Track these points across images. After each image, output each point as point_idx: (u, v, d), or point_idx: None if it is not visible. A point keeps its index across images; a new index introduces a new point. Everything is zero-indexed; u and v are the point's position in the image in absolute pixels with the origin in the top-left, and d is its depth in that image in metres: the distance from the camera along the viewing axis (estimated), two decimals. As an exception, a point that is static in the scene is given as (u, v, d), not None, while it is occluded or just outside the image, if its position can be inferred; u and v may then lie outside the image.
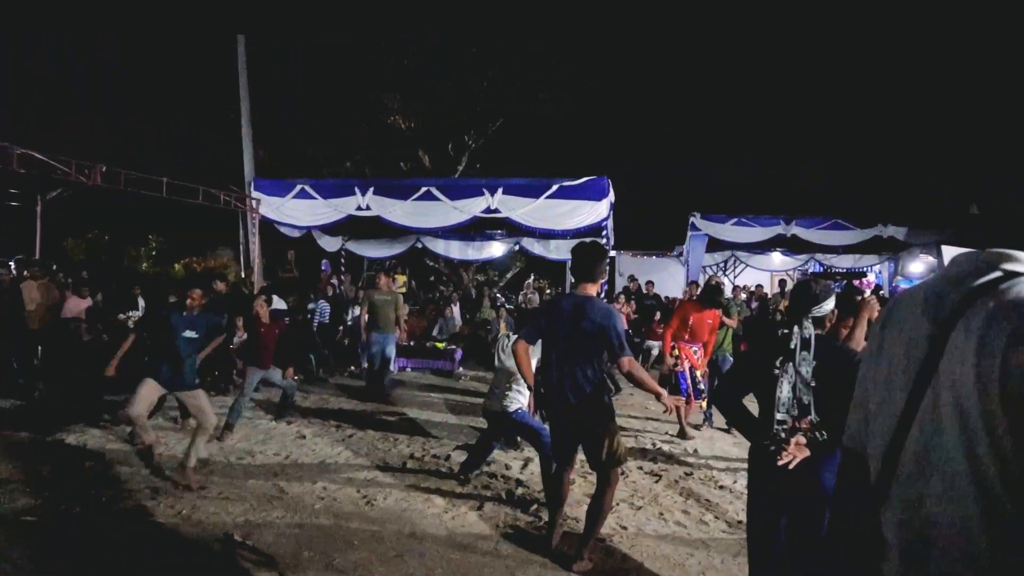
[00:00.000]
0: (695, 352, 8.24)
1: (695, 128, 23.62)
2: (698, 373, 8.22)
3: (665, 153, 23.50)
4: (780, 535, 3.10)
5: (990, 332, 1.14)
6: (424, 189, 11.39)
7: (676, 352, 8.23)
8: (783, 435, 2.92)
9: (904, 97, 22.33)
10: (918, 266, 18.21)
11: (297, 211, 11.98)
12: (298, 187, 11.81)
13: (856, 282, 19.87)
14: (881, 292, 18.83)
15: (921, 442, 1.24)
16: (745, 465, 6.74)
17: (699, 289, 15.68)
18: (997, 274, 1.24)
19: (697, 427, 8.47)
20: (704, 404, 8.51)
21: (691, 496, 5.90)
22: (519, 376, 5.61)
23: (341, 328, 13.03)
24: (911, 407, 1.27)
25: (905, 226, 15.90)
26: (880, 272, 20.26)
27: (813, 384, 2.93)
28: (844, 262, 19.29)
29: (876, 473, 1.34)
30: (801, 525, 3.03)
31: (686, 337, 8.15)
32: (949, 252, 7.14)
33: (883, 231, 15.93)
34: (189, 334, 6.14)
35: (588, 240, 4.68)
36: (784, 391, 2.95)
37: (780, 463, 2.88)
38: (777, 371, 2.97)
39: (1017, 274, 1.22)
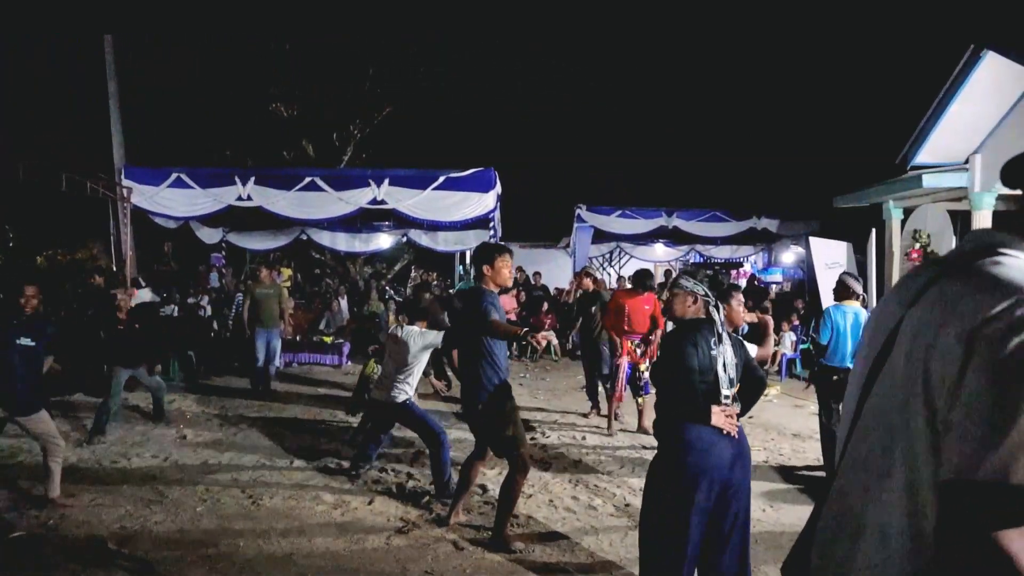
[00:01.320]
0: (634, 345, 7.69)
1: (580, 120, 24.04)
2: (641, 367, 7.63)
3: (551, 145, 23.81)
4: (694, 534, 3.11)
5: (949, 303, 1.08)
6: (308, 179, 11.08)
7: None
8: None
9: (776, 93, 23.51)
10: (789, 256, 19.31)
11: (173, 201, 11.40)
12: (173, 175, 11.23)
13: (732, 272, 20.86)
14: (756, 282, 19.84)
15: (863, 430, 1.22)
16: (634, 453, 6.99)
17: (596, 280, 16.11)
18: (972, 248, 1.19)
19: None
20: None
21: (579, 484, 6.03)
22: (407, 368, 5.60)
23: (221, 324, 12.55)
24: (865, 390, 1.24)
25: (777, 219, 16.80)
26: (755, 262, 21.30)
27: (735, 360, 3.31)
28: (722, 252, 20.19)
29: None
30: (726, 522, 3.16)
31: (625, 328, 7.64)
32: (816, 243, 7.58)
33: (757, 223, 16.78)
34: (25, 342, 5.13)
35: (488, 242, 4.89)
36: (727, 369, 3.26)
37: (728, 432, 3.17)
38: (714, 352, 3.23)
39: (1001, 252, 1.14)
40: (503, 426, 4.45)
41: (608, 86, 24.04)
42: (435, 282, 18.97)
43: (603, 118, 24.52)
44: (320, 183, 11.08)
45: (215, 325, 12.61)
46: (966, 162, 10.24)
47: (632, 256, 20.34)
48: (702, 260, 20.62)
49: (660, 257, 20.73)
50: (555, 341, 13.72)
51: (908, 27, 19.51)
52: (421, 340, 5.74)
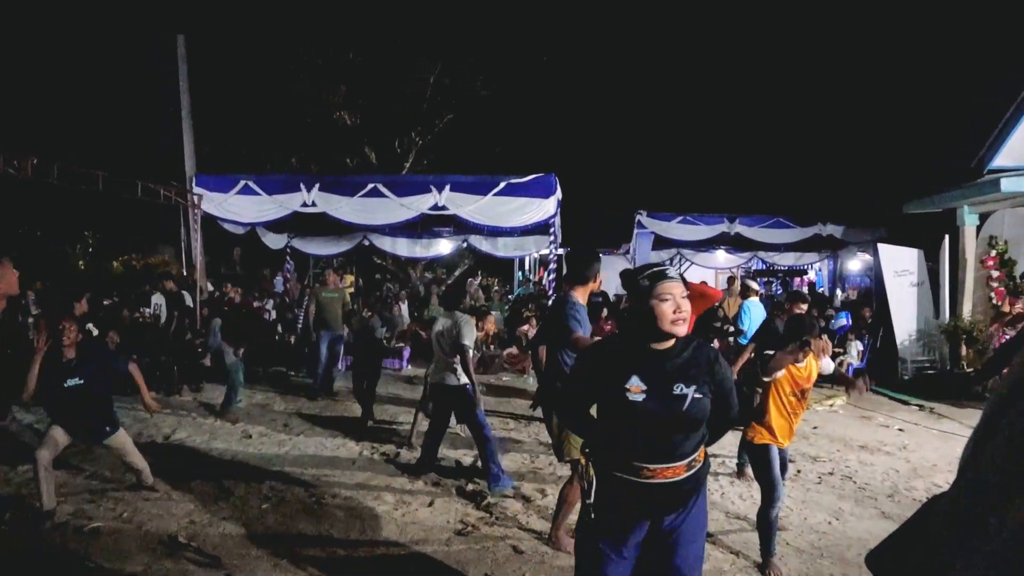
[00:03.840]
0: None
1: (642, 126, 23.89)
2: None
3: (612, 151, 23.72)
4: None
5: None
6: (371, 186, 11.25)
7: None
8: None
9: (845, 94, 22.96)
10: (856, 264, 18.79)
11: (240, 207, 11.73)
12: (241, 183, 11.55)
13: (795, 280, 20.41)
14: (821, 290, 19.38)
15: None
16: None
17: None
18: None
19: None
20: None
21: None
22: (460, 351, 5.94)
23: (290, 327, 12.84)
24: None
25: (843, 225, 16.37)
26: (820, 269, 20.80)
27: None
28: (786, 260, 19.75)
29: None
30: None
31: None
32: (885, 250, 7.45)
33: (822, 230, 16.36)
34: (73, 383, 5.09)
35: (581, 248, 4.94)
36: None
37: None
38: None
39: None
40: (564, 431, 4.44)
41: (672, 91, 23.83)
42: (495, 287, 19.09)
43: (666, 123, 24.30)
44: (382, 189, 11.25)
45: (279, 328, 12.89)
46: (1047, 166, 9.85)
47: (693, 263, 20.03)
48: (765, 267, 20.23)
49: (722, 264, 20.38)
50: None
51: (985, 24, 18.82)
52: (468, 325, 6.01)
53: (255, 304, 13.31)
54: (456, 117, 18.67)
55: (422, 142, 18.59)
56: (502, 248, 16.22)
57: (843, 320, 11.83)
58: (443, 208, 11.23)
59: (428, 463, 6.21)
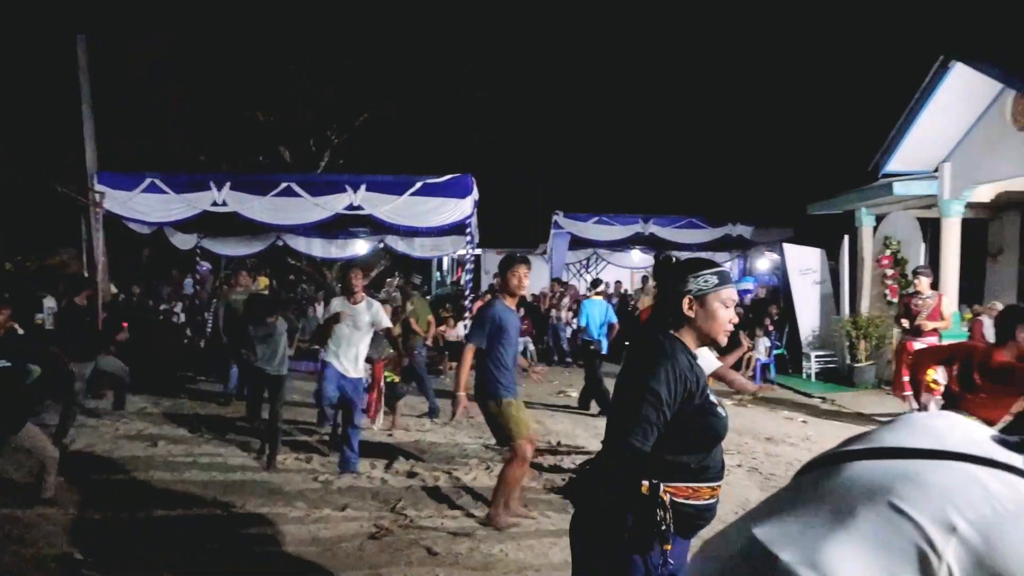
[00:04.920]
0: None
1: (558, 127, 24.17)
2: None
3: (529, 151, 23.91)
4: None
5: None
6: (284, 185, 11.01)
7: None
8: None
9: (751, 101, 23.78)
10: (765, 263, 19.48)
11: (146, 206, 11.28)
12: (147, 180, 11.11)
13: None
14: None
15: None
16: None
17: (566, 286, 16.16)
18: None
19: None
20: None
21: (555, 487, 6.04)
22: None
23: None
24: None
25: (752, 225, 16.97)
26: (730, 269, 21.47)
27: None
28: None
29: None
30: None
31: None
32: (791, 250, 7.74)
33: (733, 230, 16.94)
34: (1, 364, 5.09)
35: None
36: None
37: None
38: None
39: None
40: (502, 419, 4.91)
41: (587, 92, 24.19)
42: (413, 289, 18.93)
43: (581, 124, 24.64)
44: (296, 189, 11.02)
45: (188, 332, 12.50)
46: (935, 170, 10.42)
47: (609, 262, 20.38)
48: (679, 266, 20.75)
49: (636, 264, 20.80)
50: (532, 347, 13.80)
51: (881, 38, 19.83)
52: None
53: (162, 307, 12.85)
54: (373, 116, 18.45)
55: (338, 141, 18.29)
56: (419, 248, 16.13)
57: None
58: (359, 208, 11.09)
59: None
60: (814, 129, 20.83)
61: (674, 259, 2.53)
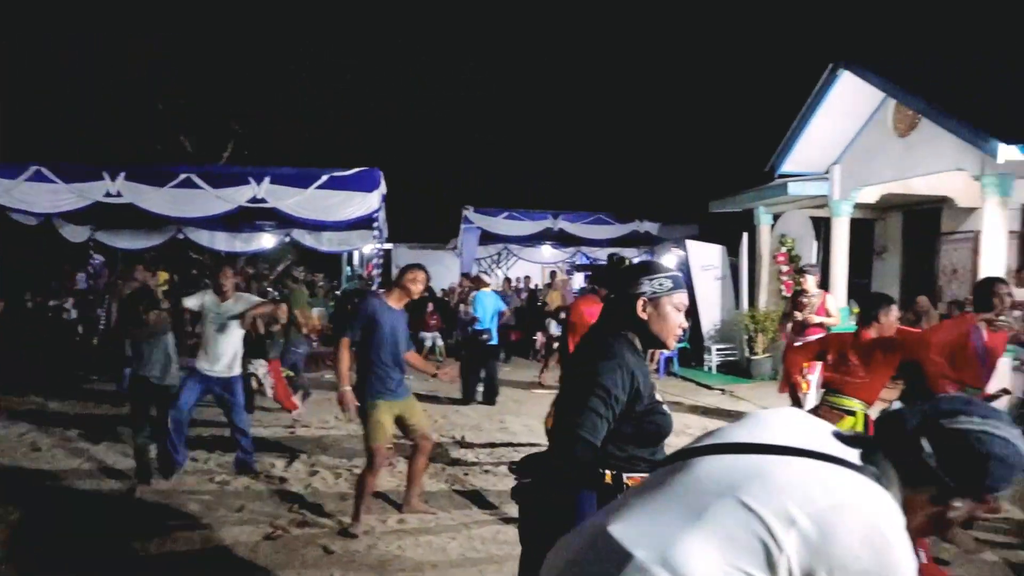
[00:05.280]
0: None
1: (467, 122, 24.13)
2: None
3: (438, 146, 23.83)
4: None
5: None
6: (183, 176, 10.60)
7: None
8: None
9: (661, 101, 24.34)
10: (671, 259, 20.00)
11: (33, 196, 10.64)
12: (33, 169, 10.48)
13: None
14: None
15: None
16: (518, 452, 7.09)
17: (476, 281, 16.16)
18: None
19: None
20: None
21: (456, 482, 6.06)
22: None
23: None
24: None
25: (659, 222, 17.38)
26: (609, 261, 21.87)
27: None
28: (606, 254, 20.64)
29: None
30: None
31: None
32: (692, 246, 7.97)
33: (640, 226, 17.28)
34: None
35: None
36: None
37: None
38: None
39: None
40: (364, 420, 4.84)
41: (497, 87, 24.24)
42: (321, 283, 18.61)
43: (491, 119, 24.68)
44: (196, 180, 10.62)
45: (80, 329, 11.93)
46: (827, 172, 10.92)
47: (519, 258, 20.51)
48: (588, 262, 21.07)
49: (547, 259, 21.00)
50: (440, 342, 13.78)
51: (779, 45, 20.65)
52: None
53: (51, 303, 12.22)
54: (279, 108, 18.01)
55: (241, 131, 17.77)
56: (326, 243, 15.80)
57: None
58: (262, 201, 10.77)
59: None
60: (718, 130, 21.55)
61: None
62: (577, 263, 21.20)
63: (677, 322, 2.37)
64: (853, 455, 1.36)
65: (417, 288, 5.00)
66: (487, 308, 10.18)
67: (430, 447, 5.24)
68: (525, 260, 20.57)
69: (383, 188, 11.12)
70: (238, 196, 10.70)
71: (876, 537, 1.25)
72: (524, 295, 15.66)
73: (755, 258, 12.78)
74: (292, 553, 4.46)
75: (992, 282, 4.83)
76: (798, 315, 7.79)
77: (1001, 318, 4.61)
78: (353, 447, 7.03)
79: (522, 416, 8.85)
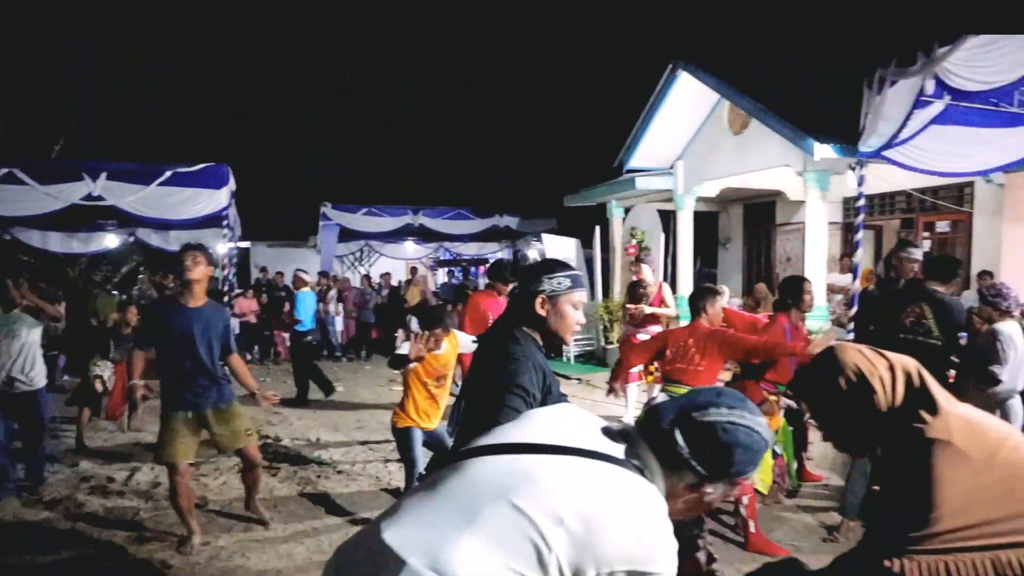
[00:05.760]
0: None
1: (324, 118, 23.69)
2: None
3: (295, 142, 23.25)
4: None
5: None
6: (5, 171, 9.83)
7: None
8: None
9: (517, 99, 24.73)
10: (533, 253, 20.37)
11: None
12: None
13: (479, 268, 21.60)
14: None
15: None
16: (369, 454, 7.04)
17: (335, 279, 15.88)
18: None
19: None
20: None
21: (307, 484, 5.95)
22: None
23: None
24: None
25: (518, 216, 17.68)
26: (501, 259, 22.19)
27: None
28: (469, 249, 20.77)
29: None
30: None
31: None
32: (548, 239, 8.12)
33: (500, 221, 17.54)
34: None
35: None
36: None
37: None
38: None
39: None
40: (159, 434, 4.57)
41: (355, 85, 23.91)
42: (171, 285, 17.68)
43: (349, 115, 24.33)
44: (21, 176, 9.86)
45: None
46: (671, 167, 11.45)
47: (382, 254, 20.30)
48: (451, 257, 21.14)
49: (411, 255, 20.87)
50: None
51: (630, 44, 21.45)
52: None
53: None
54: (120, 99, 16.98)
55: (76, 124, 16.61)
56: (175, 243, 15.01)
57: None
58: (99, 198, 10.15)
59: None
60: (575, 125, 22.16)
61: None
62: (441, 258, 21.25)
63: (574, 319, 2.42)
64: (619, 450, 1.44)
65: (197, 272, 4.37)
66: (308, 308, 10.16)
67: (254, 458, 4.83)
68: (388, 256, 20.38)
69: (232, 184, 10.76)
70: (71, 193, 10.05)
71: (638, 528, 1.33)
72: (385, 292, 15.51)
73: (609, 250, 13.24)
74: (127, 569, 4.25)
75: (799, 281, 5.23)
76: (631, 307, 7.77)
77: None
78: (196, 457, 6.76)
79: (379, 413, 8.79)
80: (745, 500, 4.44)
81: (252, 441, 4.77)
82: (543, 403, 2.32)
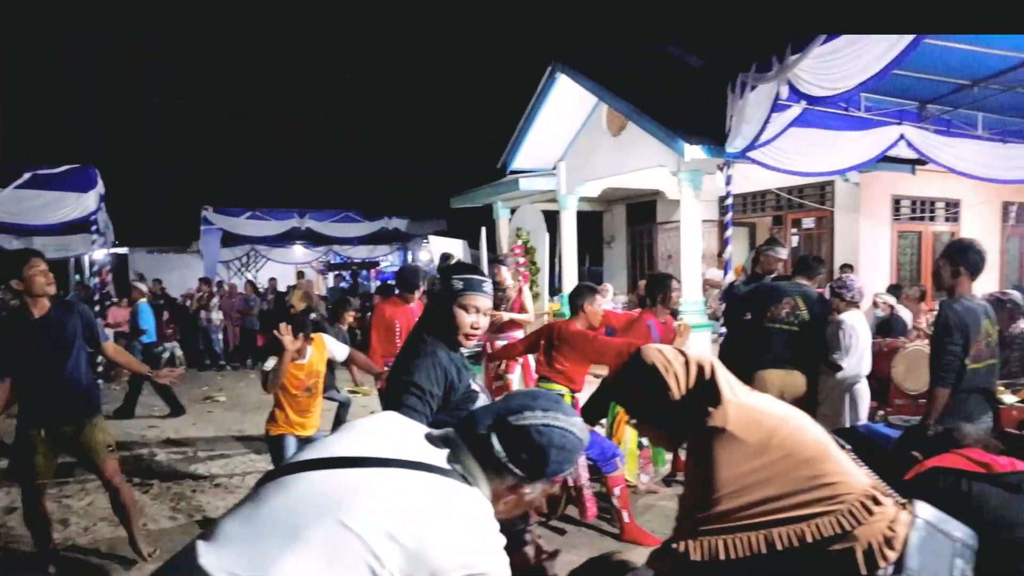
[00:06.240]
0: None
1: (203, 122, 22.91)
2: None
3: (172, 143, 22.39)
4: None
5: None
6: None
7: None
8: None
9: (403, 101, 24.60)
10: (425, 255, 20.29)
11: None
12: None
13: (370, 272, 21.37)
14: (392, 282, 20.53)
15: None
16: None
17: (218, 287, 15.35)
18: None
19: None
20: None
21: (182, 500, 5.75)
22: None
23: None
24: None
25: (407, 218, 17.61)
26: (393, 262, 22.01)
27: None
28: (360, 252, 20.54)
29: None
30: None
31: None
32: (435, 241, 8.07)
33: (388, 223, 17.43)
34: None
35: None
36: None
37: None
38: None
39: None
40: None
41: (232, 81, 23.23)
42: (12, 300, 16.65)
43: (230, 115, 23.63)
44: None
45: None
46: (554, 168, 11.66)
47: (269, 259, 19.81)
48: (341, 260, 20.83)
49: (300, 259, 20.49)
50: (179, 352, 12.94)
51: (513, 46, 21.71)
52: None
53: None
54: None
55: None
56: (41, 248, 14.18)
57: None
58: (-53, 203, 9.48)
59: None
60: (462, 127, 22.25)
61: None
62: (331, 262, 20.90)
63: (468, 322, 2.49)
64: (441, 457, 1.47)
65: (39, 282, 3.90)
66: (149, 320, 9.95)
67: (111, 477, 4.28)
68: (276, 261, 19.90)
69: (101, 188, 10.26)
70: (-87, 198, 9.32)
71: (467, 535, 1.37)
72: (271, 297, 15.12)
73: (496, 250, 13.36)
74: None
75: (664, 278, 5.44)
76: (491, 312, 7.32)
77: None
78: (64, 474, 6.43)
79: (262, 424, 8.54)
80: (617, 491, 4.57)
81: (113, 458, 4.33)
82: (446, 400, 2.44)
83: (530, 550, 2.04)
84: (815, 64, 5.98)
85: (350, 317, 7.83)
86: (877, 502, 1.68)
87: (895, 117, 7.96)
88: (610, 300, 10.00)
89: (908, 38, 5.13)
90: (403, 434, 1.53)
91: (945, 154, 8.32)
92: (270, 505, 1.37)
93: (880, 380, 6.17)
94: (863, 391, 5.25)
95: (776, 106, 6.71)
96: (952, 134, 8.22)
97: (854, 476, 1.73)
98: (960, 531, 1.74)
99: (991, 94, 7.30)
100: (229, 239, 16.78)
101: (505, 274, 7.25)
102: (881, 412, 6.49)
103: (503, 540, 1.43)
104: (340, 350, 5.01)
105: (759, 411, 1.80)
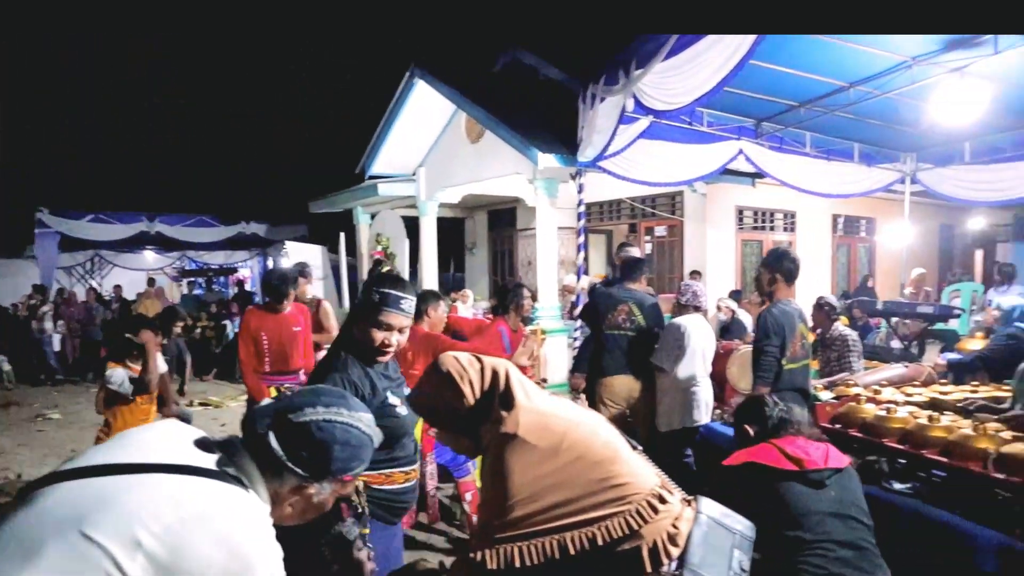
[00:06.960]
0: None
1: (34, 119, 21.35)
2: None
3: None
4: None
5: None
6: None
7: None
8: None
9: (263, 108, 23.91)
10: (287, 262, 19.61)
11: None
12: None
13: (230, 278, 20.51)
14: (253, 290, 19.79)
15: None
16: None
17: (57, 294, 14.29)
18: None
19: None
20: None
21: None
22: None
23: None
24: None
25: (266, 223, 17.03)
26: (252, 268, 21.18)
27: None
28: (216, 258, 19.62)
29: None
30: None
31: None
32: (292, 247, 7.74)
33: (246, 228, 16.80)
34: None
35: None
36: None
37: None
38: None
39: None
40: None
41: (72, 74, 21.80)
42: None
43: (64, 112, 22.15)
44: None
45: None
46: (414, 174, 11.60)
47: (115, 265, 18.54)
48: (197, 267, 19.86)
49: (151, 265, 19.25)
50: (7, 367, 11.97)
51: (372, 50, 21.52)
52: None
53: None
54: None
55: None
56: None
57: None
58: None
59: None
60: (321, 131, 21.80)
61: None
62: (186, 268, 19.89)
63: (377, 339, 2.41)
64: (210, 460, 1.38)
65: None
66: None
67: None
68: (124, 267, 18.64)
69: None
70: None
71: (229, 539, 1.29)
72: (115, 306, 14.21)
73: (357, 256, 13.15)
74: None
75: (516, 287, 5.50)
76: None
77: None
78: None
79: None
80: (468, 496, 4.58)
81: None
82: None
83: (363, 554, 2.01)
84: (657, 79, 6.22)
85: (178, 328, 7.44)
86: (663, 500, 1.74)
87: (735, 133, 8.41)
88: (471, 306, 10.04)
89: (739, 57, 5.41)
90: (172, 440, 1.44)
91: (779, 168, 8.90)
92: (14, 522, 1.27)
93: (718, 381, 6.47)
94: (702, 392, 5.35)
95: (624, 118, 6.93)
96: (784, 150, 8.79)
97: (642, 476, 1.78)
98: (740, 524, 1.83)
99: (815, 115, 7.85)
100: (70, 244, 15.66)
101: (304, 287, 6.28)
102: (718, 411, 6.82)
103: (273, 544, 1.37)
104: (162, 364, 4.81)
105: (551, 415, 1.81)
